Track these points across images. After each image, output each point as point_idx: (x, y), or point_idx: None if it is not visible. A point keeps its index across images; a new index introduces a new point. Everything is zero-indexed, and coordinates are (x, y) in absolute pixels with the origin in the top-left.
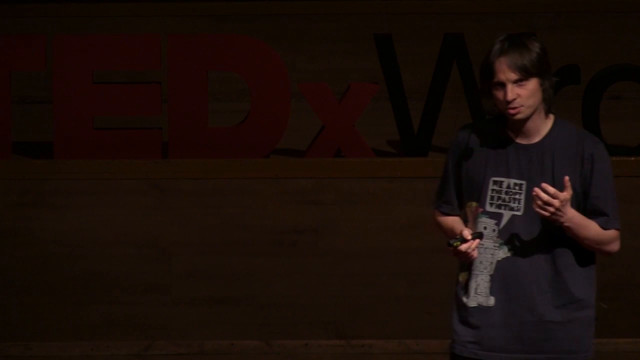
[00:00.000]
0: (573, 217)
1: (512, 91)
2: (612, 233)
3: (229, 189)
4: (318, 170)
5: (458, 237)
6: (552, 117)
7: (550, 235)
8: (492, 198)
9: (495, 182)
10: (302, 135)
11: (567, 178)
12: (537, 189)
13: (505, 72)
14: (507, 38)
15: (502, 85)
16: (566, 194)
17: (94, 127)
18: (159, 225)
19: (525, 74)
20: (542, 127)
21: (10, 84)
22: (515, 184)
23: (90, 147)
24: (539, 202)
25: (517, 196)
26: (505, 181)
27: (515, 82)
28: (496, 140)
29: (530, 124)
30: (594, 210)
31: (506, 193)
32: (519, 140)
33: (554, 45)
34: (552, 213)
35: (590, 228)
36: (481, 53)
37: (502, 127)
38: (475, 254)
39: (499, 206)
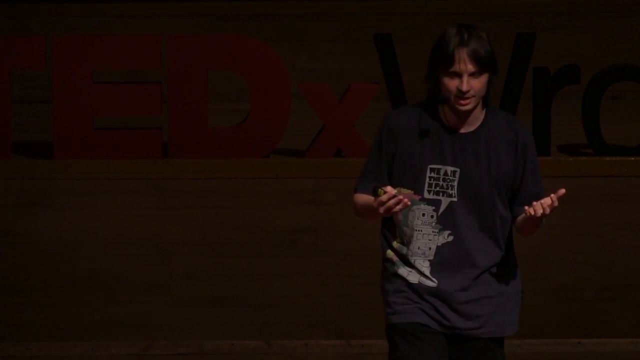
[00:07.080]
0: None
1: (467, 83)
2: None
3: (229, 189)
4: (318, 170)
5: (383, 189)
6: (481, 105)
7: (482, 220)
8: (429, 185)
9: (432, 170)
10: (302, 135)
11: (563, 191)
12: (553, 197)
13: (464, 63)
14: (465, 28)
15: (458, 75)
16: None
17: (94, 127)
18: (159, 225)
19: (481, 67)
20: (478, 116)
21: (10, 84)
22: (452, 171)
23: (90, 147)
24: (550, 208)
25: (453, 183)
26: (442, 168)
27: (472, 74)
28: (431, 127)
29: (469, 114)
30: (533, 194)
31: (443, 180)
32: (454, 128)
33: (554, 45)
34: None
35: None
36: None
37: (435, 113)
38: (397, 209)
39: (437, 193)
